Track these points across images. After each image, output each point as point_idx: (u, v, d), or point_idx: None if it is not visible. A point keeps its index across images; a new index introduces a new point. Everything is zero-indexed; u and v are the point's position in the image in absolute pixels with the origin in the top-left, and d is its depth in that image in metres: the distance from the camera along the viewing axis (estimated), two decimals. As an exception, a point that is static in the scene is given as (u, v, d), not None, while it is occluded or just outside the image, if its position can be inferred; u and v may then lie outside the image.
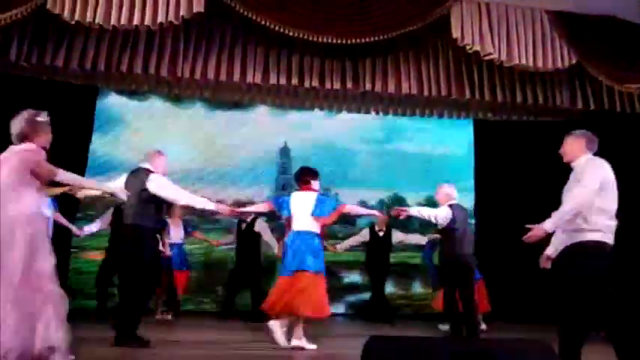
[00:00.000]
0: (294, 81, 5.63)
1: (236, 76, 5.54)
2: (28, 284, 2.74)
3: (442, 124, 8.10)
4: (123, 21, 4.90)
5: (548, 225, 3.17)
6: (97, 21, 4.86)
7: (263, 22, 5.16)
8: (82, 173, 7.13)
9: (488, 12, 5.51)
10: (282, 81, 5.62)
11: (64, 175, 3.22)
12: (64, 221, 5.42)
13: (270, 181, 7.98)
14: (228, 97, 6.94)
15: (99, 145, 7.47)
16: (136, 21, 4.92)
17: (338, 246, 6.78)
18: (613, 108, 5.98)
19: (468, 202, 8.00)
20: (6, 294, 2.66)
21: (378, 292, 6.80)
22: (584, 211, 3.10)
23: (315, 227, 4.29)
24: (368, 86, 5.70)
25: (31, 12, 4.90)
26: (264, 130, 7.94)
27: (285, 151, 8.08)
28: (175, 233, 6.42)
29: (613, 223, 3.15)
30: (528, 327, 5.98)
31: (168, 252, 6.00)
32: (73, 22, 4.89)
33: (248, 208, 5.03)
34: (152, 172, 4.11)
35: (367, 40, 5.35)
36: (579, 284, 3.03)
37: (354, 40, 5.34)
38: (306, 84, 5.68)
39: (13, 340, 2.61)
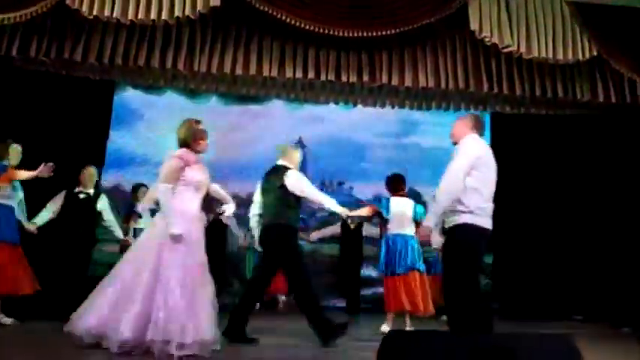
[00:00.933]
0: (310, 74, 5.61)
1: (252, 70, 5.54)
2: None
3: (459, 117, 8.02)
4: (140, 15, 4.93)
5: (429, 222, 3.11)
6: (114, 16, 4.90)
7: (279, 16, 5.15)
8: (99, 167, 7.26)
9: (507, 3, 5.41)
10: (298, 74, 5.60)
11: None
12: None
13: (285, 175, 7.98)
14: (243, 91, 6.95)
15: (116, 139, 7.56)
16: (152, 15, 4.94)
17: (312, 234, 6.84)
18: (635, 101, 5.86)
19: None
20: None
21: None
22: (456, 193, 3.00)
23: (413, 230, 4.74)
24: (384, 79, 5.65)
25: (51, 7, 4.96)
26: (279, 124, 7.96)
27: (300, 145, 8.08)
28: None
29: (487, 205, 3.03)
30: (541, 324, 5.93)
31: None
32: (91, 17, 4.93)
33: (356, 212, 5.01)
34: (289, 168, 4.16)
35: (384, 33, 5.30)
36: (450, 269, 2.98)
37: (370, 33, 5.30)
38: (322, 77, 5.65)
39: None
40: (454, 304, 2.92)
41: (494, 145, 8.06)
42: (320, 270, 7.25)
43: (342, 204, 8.51)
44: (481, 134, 3.36)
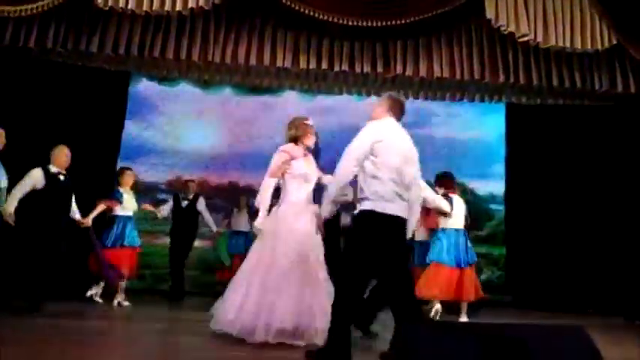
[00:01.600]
0: (324, 65, 5.59)
1: (266, 61, 5.54)
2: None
3: (474, 108, 7.94)
4: (155, 7, 4.96)
5: (324, 212, 3.12)
6: (129, 7, 4.93)
7: (293, 6, 5.13)
8: (114, 157, 7.36)
9: (524, -9, 5.33)
10: (312, 65, 5.59)
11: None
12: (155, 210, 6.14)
13: (298, 166, 7.99)
14: (257, 82, 6.96)
15: (131, 129, 7.63)
16: (167, 6, 4.97)
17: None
18: (655, 91, 5.74)
19: (499, 188, 7.87)
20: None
21: None
22: (344, 180, 2.95)
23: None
24: (399, 70, 5.62)
25: (67, -1, 5.01)
26: (292, 115, 7.89)
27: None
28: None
29: (386, 189, 2.83)
30: (554, 316, 5.89)
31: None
32: (106, 9, 4.97)
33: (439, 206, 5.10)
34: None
35: (398, 22, 5.25)
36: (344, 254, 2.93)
37: (384, 23, 5.25)
38: (336, 68, 5.63)
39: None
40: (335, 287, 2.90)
41: (510, 136, 8.09)
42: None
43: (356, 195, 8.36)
44: (399, 117, 3.17)
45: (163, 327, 4.33)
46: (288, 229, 3.39)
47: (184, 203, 6.51)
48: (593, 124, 7.15)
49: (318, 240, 3.44)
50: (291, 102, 7.93)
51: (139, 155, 7.65)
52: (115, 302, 5.29)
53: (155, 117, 7.86)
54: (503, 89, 6.78)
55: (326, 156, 8.02)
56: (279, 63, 5.57)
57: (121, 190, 5.54)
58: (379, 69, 5.64)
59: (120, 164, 7.39)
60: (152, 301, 6.12)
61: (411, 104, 7.90)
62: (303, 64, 5.59)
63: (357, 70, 5.67)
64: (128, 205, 5.52)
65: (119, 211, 5.42)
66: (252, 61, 5.55)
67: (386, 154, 2.91)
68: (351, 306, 2.76)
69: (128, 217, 5.49)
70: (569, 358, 2.18)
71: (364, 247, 2.79)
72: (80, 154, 6.37)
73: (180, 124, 7.89)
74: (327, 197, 3.05)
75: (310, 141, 3.78)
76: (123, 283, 5.34)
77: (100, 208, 5.32)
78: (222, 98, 7.89)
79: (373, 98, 7.49)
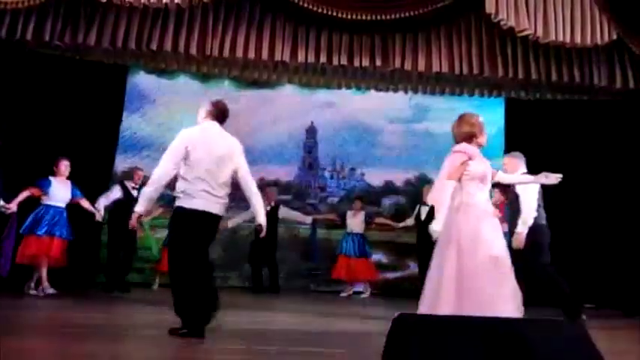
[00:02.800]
0: (323, 59, 5.58)
1: (264, 54, 5.53)
2: None
3: (473, 103, 7.91)
4: (153, -1, 4.94)
5: (138, 209, 3.31)
6: (127, -1, 4.91)
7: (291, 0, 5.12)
8: (112, 150, 7.34)
9: (524, -15, 5.31)
10: (311, 59, 5.58)
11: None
12: (88, 206, 5.55)
13: (296, 160, 7.99)
14: (255, 75, 6.94)
15: (129, 122, 7.60)
16: (165, -1, 4.94)
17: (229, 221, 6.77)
18: (654, 86, 5.74)
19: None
20: None
21: None
22: (159, 182, 3.25)
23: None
24: (397, 64, 5.60)
25: (64, -9, 4.98)
26: (291, 109, 7.93)
27: (311, 131, 8.06)
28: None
29: (194, 188, 3.19)
30: (552, 311, 5.90)
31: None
32: (104, 1, 4.94)
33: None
34: None
35: (397, 16, 5.24)
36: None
37: (383, 17, 5.24)
38: (335, 62, 5.62)
39: None
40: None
41: (509, 131, 8.09)
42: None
43: (354, 190, 8.41)
44: (220, 120, 3.54)
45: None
46: (474, 234, 3.16)
47: (135, 193, 6.10)
48: (591, 120, 7.14)
49: (503, 244, 3.25)
50: (289, 96, 7.90)
51: (137, 148, 7.62)
52: (33, 291, 5.15)
53: (153, 110, 7.83)
54: (502, 84, 6.76)
55: (326, 152, 8.09)
56: (277, 57, 5.55)
57: (53, 179, 5.35)
58: (378, 63, 5.63)
59: (118, 158, 7.38)
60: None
61: (409, 99, 7.96)
62: (301, 58, 5.57)
63: (356, 64, 5.66)
64: (58, 196, 5.34)
65: (46, 200, 5.28)
66: (251, 54, 5.54)
67: (195, 155, 3.24)
68: (189, 285, 3.17)
69: (56, 208, 5.29)
70: (568, 353, 2.18)
71: (178, 238, 3.23)
72: (78, 148, 6.37)
73: (179, 117, 7.85)
74: (142, 195, 3.33)
75: (485, 139, 3.50)
76: (44, 271, 5.19)
77: (24, 194, 5.17)
78: (221, 91, 7.83)
79: (372, 92, 7.50)
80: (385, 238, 7.67)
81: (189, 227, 3.19)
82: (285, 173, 7.90)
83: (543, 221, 4.74)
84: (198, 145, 3.27)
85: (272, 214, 6.82)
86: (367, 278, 7.19)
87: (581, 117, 7.20)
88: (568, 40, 5.29)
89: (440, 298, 3.00)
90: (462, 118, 3.49)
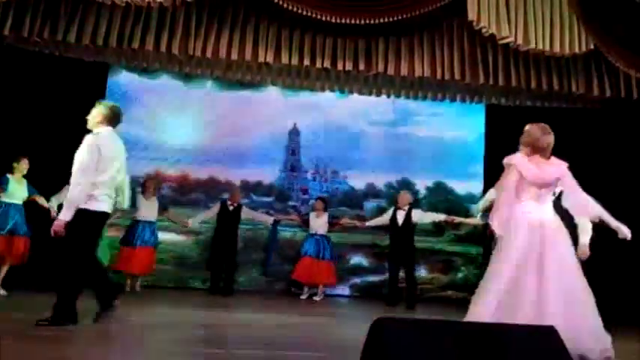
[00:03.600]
0: (306, 61, 5.58)
1: (247, 55, 5.51)
2: None
3: (454, 108, 8.02)
4: (135, -3, 4.88)
5: (65, 217, 3.56)
6: (109, -4, 4.84)
7: (276, 1, 5.10)
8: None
9: (506, -6, 5.39)
10: (294, 61, 5.57)
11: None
12: (43, 202, 5.51)
13: (279, 162, 7.98)
14: (239, 76, 6.91)
15: (110, 122, 7.48)
16: (148, -3, 4.89)
17: (191, 220, 6.77)
18: (629, 95, 5.88)
19: (477, 187, 7.98)
20: None
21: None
22: (84, 189, 3.55)
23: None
24: (380, 68, 5.64)
25: (44, -14, 4.89)
26: (274, 111, 7.91)
27: (294, 133, 8.06)
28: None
29: (99, 192, 3.59)
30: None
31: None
32: (85, -3, 4.87)
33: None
34: None
35: (381, 20, 5.27)
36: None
37: (367, 21, 5.26)
38: (318, 64, 5.63)
39: None
40: None
41: (489, 137, 8.20)
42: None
43: (337, 192, 8.45)
44: (114, 125, 3.93)
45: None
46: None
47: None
48: (569, 127, 7.27)
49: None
50: (272, 98, 7.89)
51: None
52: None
53: (134, 109, 7.72)
54: (483, 90, 6.86)
55: (309, 154, 8.09)
56: (261, 58, 5.54)
57: (10, 177, 5.35)
58: (361, 67, 5.66)
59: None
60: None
61: (391, 103, 8.01)
62: (285, 60, 5.57)
63: (340, 67, 5.68)
64: (15, 194, 5.35)
65: (4, 197, 5.28)
66: (234, 55, 5.51)
67: (104, 163, 3.65)
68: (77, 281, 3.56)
69: (14, 205, 5.33)
70: (541, 357, 2.22)
71: (79, 236, 3.55)
72: (56, 147, 6.25)
73: (161, 117, 7.79)
74: (67, 201, 3.61)
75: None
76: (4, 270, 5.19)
77: None
78: (204, 92, 7.81)
79: (355, 96, 7.53)
80: (366, 241, 7.70)
81: (89, 227, 3.60)
82: (268, 175, 7.88)
83: None
84: (106, 153, 3.72)
85: (234, 215, 6.81)
86: (325, 283, 7.00)
87: (559, 124, 7.31)
88: (547, 48, 5.39)
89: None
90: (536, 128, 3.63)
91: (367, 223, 7.10)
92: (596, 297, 3.16)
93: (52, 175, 5.53)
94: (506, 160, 3.48)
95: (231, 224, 6.80)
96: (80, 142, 7.15)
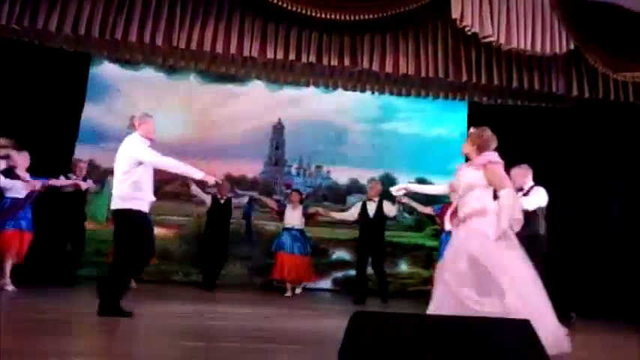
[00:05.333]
0: (291, 56, 5.57)
1: (232, 49, 5.47)
2: None
3: (437, 105, 8.09)
4: (118, -14, 4.81)
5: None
6: (91, -15, 4.76)
7: (261, -5, 5.08)
8: (72, 141, 7.12)
9: (489, -7, 5.45)
10: (279, 55, 5.56)
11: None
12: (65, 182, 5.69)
13: (262, 157, 7.97)
14: (223, 69, 6.85)
15: (91, 113, 7.40)
16: (131, -13, 4.83)
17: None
18: (607, 96, 6.00)
19: (459, 184, 8.07)
20: None
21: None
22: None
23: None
24: (365, 64, 5.66)
25: (24, -27, 4.79)
26: (258, 105, 7.89)
27: (278, 128, 8.05)
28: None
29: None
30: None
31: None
32: (66, -14, 4.79)
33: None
34: None
35: (367, 16, 5.29)
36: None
37: (353, 17, 5.28)
38: (303, 59, 5.62)
39: None
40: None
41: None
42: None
43: (320, 187, 8.42)
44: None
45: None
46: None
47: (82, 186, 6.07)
48: (550, 126, 7.41)
49: None
50: (257, 92, 7.86)
51: (98, 140, 7.43)
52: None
53: (116, 101, 7.64)
54: (465, 88, 6.93)
55: (293, 149, 8.09)
56: (245, 52, 5.51)
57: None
58: (346, 62, 5.67)
59: (78, 149, 7.17)
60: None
61: (376, 99, 8.05)
62: (270, 54, 5.55)
63: (325, 62, 5.68)
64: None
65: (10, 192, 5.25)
66: (219, 48, 5.47)
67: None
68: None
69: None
70: (514, 349, 2.28)
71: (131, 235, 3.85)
72: (35, 138, 6.15)
73: (142, 110, 7.67)
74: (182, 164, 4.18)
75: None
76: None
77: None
78: (187, 85, 7.75)
79: (340, 91, 7.55)
80: (348, 236, 7.75)
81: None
82: (251, 169, 7.87)
83: (542, 231, 4.68)
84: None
85: (225, 208, 6.76)
86: (302, 280, 6.82)
87: (539, 123, 7.45)
88: (529, 47, 5.47)
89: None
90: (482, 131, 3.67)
91: (333, 214, 6.87)
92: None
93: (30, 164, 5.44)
94: (498, 158, 3.47)
95: (223, 218, 6.72)
96: (60, 132, 7.08)
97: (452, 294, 3.08)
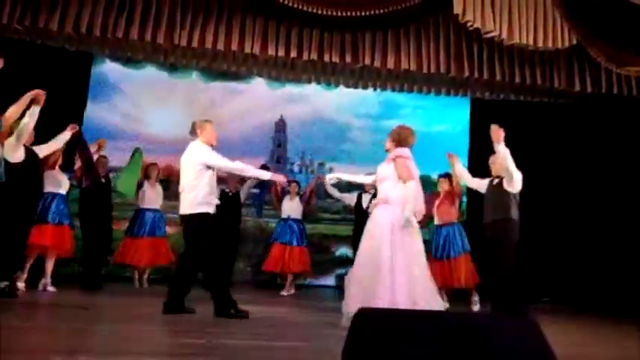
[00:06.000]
0: (293, 53, 5.57)
1: (234, 46, 5.47)
2: None
3: (439, 101, 8.08)
4: (119, -15, 4.81)
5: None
6: (92, -16, 4.77)
7: (262, -8, 5.08)
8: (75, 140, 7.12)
9: (491, -12, 5.43)
10: (281, 53, 5.56)
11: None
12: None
13: (264, 154, 7.98)
14: (224, 67, 6.85)
15: (93, 112, 7.41)
16: (132, -14, 4.83)
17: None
18: (610, 91, 5.98)
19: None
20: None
21: None
22: None
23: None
24: (367, 61, 5.65)
25: (25, -27, 4.80)
26: (260, 102, 7.90)
27: (280, 124, 8.05)
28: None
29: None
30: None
31: None
32: (67, -15, 4.79)
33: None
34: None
35: (368, 13, 5.28)
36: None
37: (354, 14, 5.27)
38: (305, 56, 5.62)
39: None
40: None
41: (474, 130, 8.27)
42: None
43: (322, 184, 8.40)
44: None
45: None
46: None
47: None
48: (553, 121, 7.40)
49: None
50: (259, 89, 7.87)
51: (101, 137, 7.45)
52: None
53: (119, 100, 7.66)
54: (468, 83, 6.91)
55: (295, 146, 8.09)
56: (247, 49, 5.51)
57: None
58: (348, 59, 5.67)
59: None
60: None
61: (377, 95, 8.04)
62: (271, 51, 5.55)
63: (326, 59, 5.68)
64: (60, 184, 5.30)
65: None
66: (220, 46, 5.47)
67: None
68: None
69: (60, 195, 5.25)
70: (520, 347, 2.28)
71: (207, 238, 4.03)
72: (39, 136, 6.16)
73: (145, 108, 7.72)
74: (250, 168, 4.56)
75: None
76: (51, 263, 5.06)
77: None
78: (189, 83, 7.75)
79: (342, 88, 7.54)
80: (350, 233, 7.74)
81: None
82: (254, 166, 7.85)
83: (515, 217, 4.71)
84: None
85: (234, 201, 6.65)
86: (298, 271, 6.52)
87: (542, 118, 7.44)
88: (531, 42, 5.46)
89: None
90: (402, 129, 4.10)
91: (331, 190, 6.53)
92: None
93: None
94: (407, 154, 3.92)
95: (233, 211, 6.58)
96: (63, 130, 7.10)
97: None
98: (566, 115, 7.20)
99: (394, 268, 3.53)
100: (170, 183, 7.50)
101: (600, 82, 5.94)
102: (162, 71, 7.63)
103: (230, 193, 6.72)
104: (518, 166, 7.19)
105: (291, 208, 6.63)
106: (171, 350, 2.85)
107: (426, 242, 3.95)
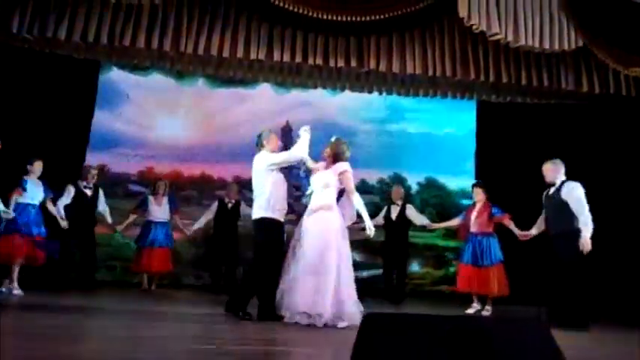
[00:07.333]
0: (298, 58, 5.58)
1: (239, 53, 5.50)
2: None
3: (445, 104, 8.06)
4: (126, -6, 4.85)
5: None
6: (99, -7, 4.81)
7: (268, -2, 5.10)
8: (83, 148, 7.19)
9: (496, -9, 5.42)
10: (286, 58, 5.57)
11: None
12: (52, 210, 5.61)
13: (271, 159, 7.97)
14: (230, 73, 6.89)
15: (101, 119, 7.46)
16: (139, -6, 4.87)
17: (195, 225, 6.72)
18: (618, 91, 5.94)
19: (469, 183, 8.03)
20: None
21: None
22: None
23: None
24: (372, 65, 5.65)
25: (33, -17, 4.85)
26: (266, 108, 7.92)
27: (286, 130, 8.06)
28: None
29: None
30: (525, 306, 6.03)
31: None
32: (75, -6, 4.84)
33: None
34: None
35: (373, 17, 5.29)
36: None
37: (359, 18, 5.28)
38: (310, 62, 5.63)
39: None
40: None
41: (480, 133, 8.23)
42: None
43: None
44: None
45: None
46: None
47: (88, 192, 6.18)
48: (559, 123, 7.35)
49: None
50: (265, 95, 7.89)
51: (109, 146, 7.50)
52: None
53: (126, 107, 7.71)
54: (474, 86, 6.89)
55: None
56: (252, 55, 5.53)
57: (28, 179, 5.39)
58: (353, 64, 5.67)
59: (89, 155, 7.25)
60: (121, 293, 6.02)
61: (383, 99, 8.04)
62: (277, 57, 5.56)
63: (331, 64, 5.69)
64: (33, 195, 5.43)
65: (22, 198, 5.33)
66: (226, 53, 5.50)
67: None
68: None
69: (33, 206, 5.39)
70: (531, 351, 2.25)
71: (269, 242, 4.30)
72: (46, 145, 6.23)
73: (153, 115, 7.77)
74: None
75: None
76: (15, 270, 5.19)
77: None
78: (196, 89, 7.79)
79: (347, 92, 7.54)
80: (359, 237, 7.72)
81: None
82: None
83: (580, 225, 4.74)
84: None
85: (233, 211, 6.78)
86: None
87: (549, 120, 7.40)
88: (537, 45, 5.43)
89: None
90: (337, 143, 4.61)
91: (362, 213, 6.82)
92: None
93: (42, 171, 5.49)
94: (350, 168, 4.49)
95: (231, 221, 6.76)
96: (71, 139, 7.17)
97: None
98: (574, 116, 7.15)
99: (340, 270, 4.05)
100: (177, 189, 7.54)
101: (608, 83, 5.89)
102: (169, 78, 7.68)
103: (230, 203, 6.78)
104: (527, 169, 7.17)
105: None
106: (181, 356, 2.84)
107: (455, 249, 3.99)
